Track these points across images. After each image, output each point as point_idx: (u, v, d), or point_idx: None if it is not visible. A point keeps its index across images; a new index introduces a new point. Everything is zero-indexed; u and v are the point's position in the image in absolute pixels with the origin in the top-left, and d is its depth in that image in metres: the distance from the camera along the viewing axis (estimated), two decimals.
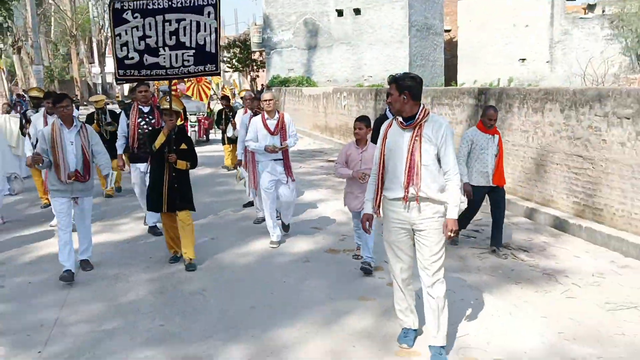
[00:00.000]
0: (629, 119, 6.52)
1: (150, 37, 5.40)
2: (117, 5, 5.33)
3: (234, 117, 11.04)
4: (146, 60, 5.47)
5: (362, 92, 16.76)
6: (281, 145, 6.50)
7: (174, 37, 5.43)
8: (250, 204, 8.43)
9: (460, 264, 5.84)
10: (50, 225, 7.45)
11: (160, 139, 5.70)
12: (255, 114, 7.34)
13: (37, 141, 6.21)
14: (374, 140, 5.66)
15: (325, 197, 9.25)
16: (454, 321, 4.32)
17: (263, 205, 6.84)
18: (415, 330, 4.10)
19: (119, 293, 5.22)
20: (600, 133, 6.94)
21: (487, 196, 6.40)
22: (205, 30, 5.49)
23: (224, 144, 12.73)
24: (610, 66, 28.31)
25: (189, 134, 8.63)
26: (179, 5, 5.37)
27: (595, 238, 6.61)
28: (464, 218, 6.30)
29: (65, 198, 5.60)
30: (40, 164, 5.50)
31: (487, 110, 6.26)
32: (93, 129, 5.96)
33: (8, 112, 11.76)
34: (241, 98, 10.42)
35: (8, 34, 32.48)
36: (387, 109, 6.22)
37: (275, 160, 6.58)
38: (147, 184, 7.02)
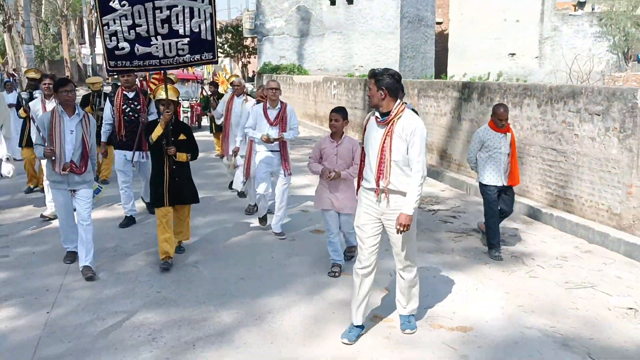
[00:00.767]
0: (599, 115, 6.97)
1: (140, 25, 5.06)
2: None
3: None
4: (137, 50, 5.16)
5: (352, 82, 17.11)
6: (278, 136, 6.38)
7: (166, 25, 5.10)
8: (241, 194, 8.50)
9: (436, 245, 6.28)
10: (41, 214, 7.19)
11: (157, 132, 5.43)
12: (257, 103, 7.25)
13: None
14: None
15: (311, 182, 9.64)
16: (424, 294, 4.75)
17: (255, 188, 6.76)
18: (360, 328, 4.14)
19: (117, 264, 5.61)
20: (573, 128, 7.38)
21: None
22: (199, 17, 5.16)
23: (211, 132, 12.58)
24: (598, 63, 28.89)
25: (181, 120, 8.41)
26: None
27: (565, 226, 7.07)
28: (491, 224, 6.01)
29: (63, 190, 5.36)
30: (53, 157, 5.20)
31: (497, 109, 5.96)
32: (94, 120, 5.68)
33: None
34: (230, 84, 10.48)
35: None
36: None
37: (272, 151, 6.50)
38: (142, 174, 7.21)
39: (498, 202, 6.08)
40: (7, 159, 7.80)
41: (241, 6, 70.14)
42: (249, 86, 37.73)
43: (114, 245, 6.14)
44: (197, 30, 5.21)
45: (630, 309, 4.59)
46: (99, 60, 51.91)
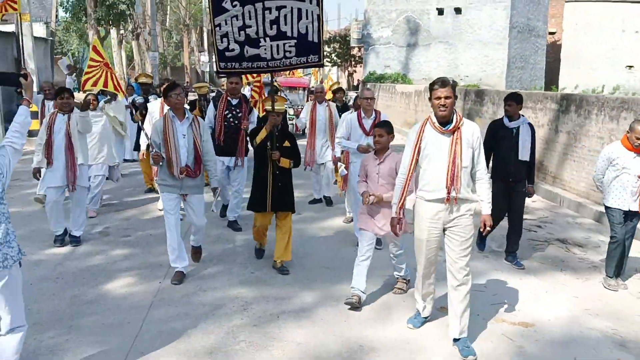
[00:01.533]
0: None
1: (250, 26, 5.13)
2: None
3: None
4: (247, 52, 5.25)
5: None
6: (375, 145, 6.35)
7: (274, 27, 5.13)
8: (317, 201, 8.63)
9: (517, 252, 6.49)
10: (158, 209, 7.65)
11: (262, 135, 5.53)
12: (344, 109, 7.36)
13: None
14: (488, 144, 5.77)
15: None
16: (493, 293, 5.08)
17: (353, 207, 6.72)
18: (425, 317, 4.47)
19: (218, 247, 6.37)
20: None
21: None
22: (307, 18, 5.14)
23: None
24: None
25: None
26: None
27: None
28: (610, 249, 5.46)
29: (174, 194, 5.36)
30: (161, 163, 5.30)
31: (636, 125, 5.18)
32: (204, 123, 5.77)
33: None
34: (310, 92, 10.75)
35: (129, 21, 35.35)
36: (505, 116, 6.10)
37: None
38: (234, 181, 7.20)
39: (623, 228, 5.38)
40: (117, 165, 8.05)
41: (351, 16, 71.35)
42: (353, 94, 38.54)
43: (217, 234, 6.93)
44: (304, 32, 5.19)
45: None
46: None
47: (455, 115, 3.98)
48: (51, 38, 26.93)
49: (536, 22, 32.40)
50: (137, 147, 9.20)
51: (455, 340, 4.09)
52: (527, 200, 9.25)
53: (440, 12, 31.40)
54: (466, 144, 3.95)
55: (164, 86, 7.63)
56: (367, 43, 33.55)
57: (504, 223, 6.21)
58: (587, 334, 4.36)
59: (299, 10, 5.10)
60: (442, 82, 3.99)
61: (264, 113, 7.90)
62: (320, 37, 5.29)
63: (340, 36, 41.51)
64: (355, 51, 39.92)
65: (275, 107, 5.60)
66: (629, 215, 5.39)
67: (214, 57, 5.57)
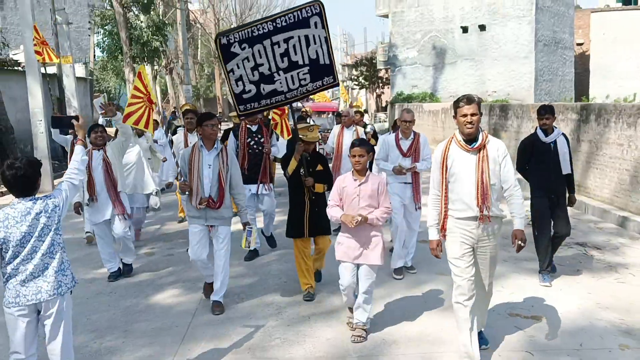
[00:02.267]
0: None
1: (262, 64, 5.20)
2: (224, 41, 5.15)
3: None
4: (263, 90, 5.32)
5: None
6: (411, 166, 6.21)
7: (285, 59, 5.21)
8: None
9: (534, 255, 6.69)
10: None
11: (292, 165, 5.54)
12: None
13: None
14: (522, 163, 5.91)
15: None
16: (510, 292, 5.43)
17: (392, 232, 6.50)
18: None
19: (255, 261, 6.88)
20: None
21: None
22: (315, 43, 5.22)
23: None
24: None
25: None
26: (284, 24, 5.13)
27: None
28: None
29: (200, 225, 5.31)
30: (187, 192, 5.29)
31: None
32: (233, 154, 5.66)
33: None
34: (337, 115, 10.39)
35: (162, 57, 36.81)
36: (539, 129, 5.92)
37: (405, 183, 6.29)
38: (264, 206, 7.10)
39: None
40: (156, 192, 7.97)
41: (377, 39, 72.22)
42: (381, 115, 39.01)
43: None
44: (314, 57, 5.26)
45: None
46: None
47: (481, 132, 3.97)
48: (90, 77, 28.33)
49: (562, 35, 32.46)
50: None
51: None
52: None
53: (465, 30, 31.79)
54: (493, 161, 3.94)
55: (189, 115, 7.93)
56: (394, 64, 34.10)
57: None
58: (595, 324, 4.69)
59: (306, 37, 5.18)
60: (468, 99, 3.95)
61: (290, 137, 8.22)
62: (332, 58, 5.36)
63: (366, 59, 42.19)
64: (382, 73, 40.49)
65: (309, 137, 5.58)
66: None
67: (232, 101, 5.57)
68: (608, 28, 33.57)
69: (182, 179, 5.41)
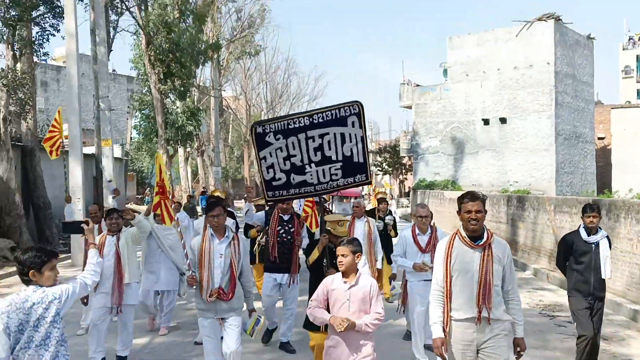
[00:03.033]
0: None
1: (294, 155, 5.19)
2: (259, 130, 5.19)
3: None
4: (293, 179, 5.30)
5: (497, 197, 18.05)
6: (432, 263, 5.62)
7: (318, 153, 5.17)
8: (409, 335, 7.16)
9: (542, 343, 7.07)
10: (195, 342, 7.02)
11: (314, 255, 5.45)
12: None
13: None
14: (563, 260, 5.77)
15: None
16: None
17: (411, 327, 6.41)
18: None
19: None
20: None
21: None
22: (351, 141, 5.14)
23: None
24: None
25: None
26: (321, 120, 5.10)
27: None
28: None
29: (210, 319, 5.10)
30: (194, 286, 5.11)
31: None
32: (245, 241, 5.44)
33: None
34: (377, 200, 10.08)
35: (195, 139, 38.43)
36: (582, 227, 5.77)
37: (426, 280, 5.93)
38: (288, 301, 6.84)
39: None
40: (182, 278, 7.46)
41: (401, 127, 74.14)
42: (404, 201, 39.54)
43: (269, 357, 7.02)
44: (349, 154, 5.19)
45: None
46: None
47: (486, 230, 3.92)
48: (125, 157, 29.74)
49: (582, 129, 33.20)
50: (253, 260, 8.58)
51: None
52: (563, 299, 9.84)
53: (486, 122, 32.81)
54: (497, 261, 3.86)
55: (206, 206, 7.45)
56: (416, 152, 35.04)
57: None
58: None
59: (342, 135, 5.12)
60: (472, 195, 3.92)
61: (317, 228, 7.97)
62: (366, 157, 5.28)
63: (390, 147, 43.46)
64: (405, 160, 41.49)
65: (337, 231, 5.49)
66: None
67: (261, 187, 5.59)
68: (628, 123, 34.38)
69: (190, 271, 5.14)
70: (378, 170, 44.07)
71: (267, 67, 55.94)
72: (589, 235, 5.66)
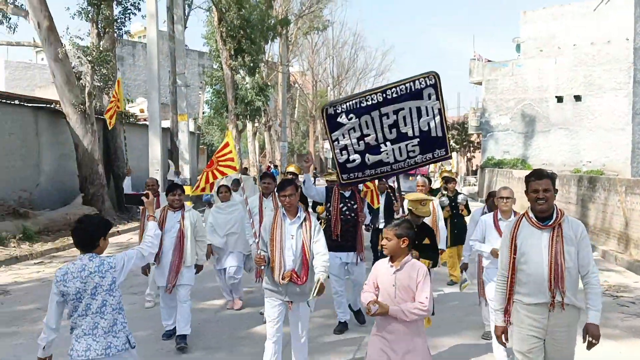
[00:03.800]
0: None
1: (368, 135, 5.01)
2: (331, 111, 5.01)
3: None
4: (368, 160, 5.11)
5: (567, 178, 17.74)
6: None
7: (394, 130, 4.97)
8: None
9: (604, 321, 7.12)
10: (259, 313, 7.16)
11: None
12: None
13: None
14: None
15: None
16: None
17: (490, 323, 5.97)
18: None
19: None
20: None
21: None
22: (427, 115, 4.92)
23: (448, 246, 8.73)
24: None
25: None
26: (394, 95, 4.87)
27: None
28: None
29: (278, 301, 4.84)
30: (263, 266, 4.90)
31: None
32: (317, 222, 5.04)
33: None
34: (442, 178, 9.77)
35: (263, 115, 39.25)
36: None
37: None
38: (354, 277, 6.72)
39: None
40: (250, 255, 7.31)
41: (470, 104, 72.57)
42: (471, 179, 39.04)
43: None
44: (426, 128, 4.99)
45: None
46: None
47: (556, 210, 3.70)
48: (198, 132, 30.86)
49: None
50: None
51: None
52: (629, 280, 9.78)
53: (560, 99, 31.86)
54: (569, 242, 3.63)
55: (266, 180, 7.18)
56: (486, 130, 34.46)
57: None
58: None
59: (418, 108, 4.91)
60: (539, 173, 3.74)
61: (379, 204, 7.97)
62: (445, 131, 5.06)
63: (458, 124, 42.86)
64: (473, 137, 40.88)
65: (419, 210, 5.27)
66: None
67: (336, 170, 5.43)
68: None
69: (259, 250, 4.93)
70: None
71: (334, 42, 56.20)
72: None
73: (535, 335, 3.67)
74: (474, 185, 36.76)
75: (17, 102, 15.76)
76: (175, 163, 20.54)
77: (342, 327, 6.69)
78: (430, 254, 5.18)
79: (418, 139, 5.02)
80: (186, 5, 22.66)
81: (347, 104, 4.98)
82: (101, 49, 16.37)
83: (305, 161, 6.26)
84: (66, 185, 16.80)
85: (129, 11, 17.16)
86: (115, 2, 16.92)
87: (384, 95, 4.90)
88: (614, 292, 8.81)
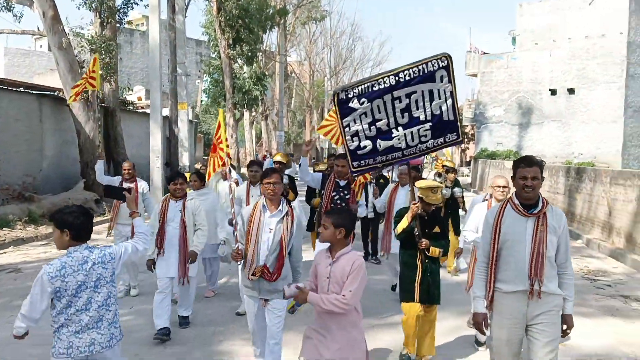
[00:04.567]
0: None
1: (380, 120, 4.90)
2: (342, 96, 4.90)
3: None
4: (379, 145, 5.00)
5: (555, 168, 18.24)
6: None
7: (406, 114, 4.87)
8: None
9: (581, 301, 7.63)
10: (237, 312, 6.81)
11: (403, 225, 5.10)
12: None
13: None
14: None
15: None
16: None
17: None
18: None
19: None
20: None
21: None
22: (440, 98, 4.83)
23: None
24: None
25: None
26: (407, 78, 4.76)
27: None
28: None
29: (254, 298, 4.62)
30: (239, 262, 4.75)
31: None
32: (301, 218, 4.93)
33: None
34: (443, 167, 9.83)
35: (260, 104, 39.63)
36: None
37: None
38: None
39: None
40: (224, 242, 6.96)
41: (465, 96, 72.99)
42: (464, 170, 39.55)
43: None
44: (438, 112, 4.89)
45: None
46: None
47: (541, 198, 3.71)
48: (196, 120, 31.24)
49: None
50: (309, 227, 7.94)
51: None
52: (609, 266, 10.31)
53: (553, 92, 32.31)
54: (552, 231, 3.65)
55: (253, 168, 6.75)
56: (480, 121, 34.91)
57: None
58: (609, 352, 5.64)
59: (430, 92, 4.81)
60: (529, 160, 3.72)
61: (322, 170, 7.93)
62: (457, 114, 4.95)
63: None
64: (468, 129, 41.32)
65: (430, 199, 5.13)
66: None
67: (346, 158, 5.27)
68: None
69: (237, 244, 4.72)
70: None
71: (332, 32, 56.38)
72: None
73: (514, 324, 3.68)
74: (467, 176, 37.31)
75: (22, 89, 16.12)
76: (174, 151, 20.96)
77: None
78: (441, 242, 5.15)
79: (430, 123, 4.92)
80: None
81: (359, 87, 4.87)
82: (105, 38, 16.73)
83: (306, 144, 6.06)
84: (68, 171, 17.23)
85: (131, 1, 17.51)
86: None
87: (397, 78, 4.79)
88: (592, 277, 9.33)
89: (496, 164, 26.37)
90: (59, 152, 17.11)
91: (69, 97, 11.63)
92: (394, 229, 5.28)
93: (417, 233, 5.02)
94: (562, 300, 3.73)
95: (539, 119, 32.86)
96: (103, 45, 16.07)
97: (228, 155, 6.70)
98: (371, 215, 9.52)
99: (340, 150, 9.50)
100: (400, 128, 4.92)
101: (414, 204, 5.05)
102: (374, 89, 4.82)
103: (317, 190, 6.79)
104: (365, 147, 5.03)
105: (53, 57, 15.73)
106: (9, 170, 14.86)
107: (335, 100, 4.95)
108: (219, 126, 6.51)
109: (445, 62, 4.76)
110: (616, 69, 29.97)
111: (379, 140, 5.00)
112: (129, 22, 47.65)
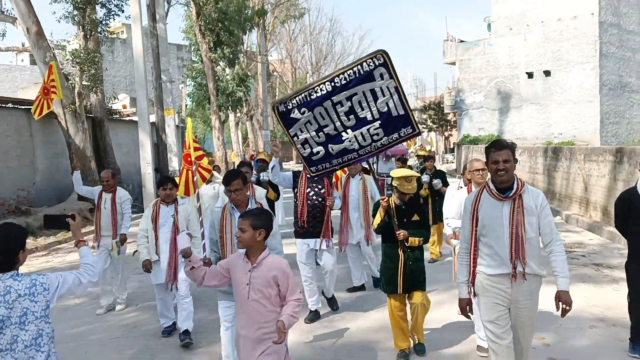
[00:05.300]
0: None
1: (326, 126, 4.87)
2: (282, 108, 4.86)
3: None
4: (332, 150, 4.98)
5: (533, 150, 18.91)
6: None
7: (351, 117, 4.83)
8: (357, 288, 7.63)
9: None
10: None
11: (377, 220, 5.16)
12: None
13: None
14: (620, 220, 5.20)
15: None
16: None
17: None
18: None
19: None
20: None
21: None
22: (384, 95, 4.75)
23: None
24: None
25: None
26: (343, 82, 4.69)
27: None
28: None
29: (230, 302, 4.36)
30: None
31: None
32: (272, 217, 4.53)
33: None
34: (417, 156, 10.41)
35: (244, 105, 40.01)
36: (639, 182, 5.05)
37: None
38: (325, 264, 6.52)
39: None
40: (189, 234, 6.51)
41: (447, 84, 73.84)
42: (449, 157, 40.24)
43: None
44: (385, 109, 4.82)
45: None
46: None
47: (516, 180, 3.73)
48: (181, 125, 31.57)
49: (628, 79, 33.00)
50: None
51: None
52: (585, 238, 10.93)
53: (530, 75, 33.04)
54: (529, 212, 3.68)
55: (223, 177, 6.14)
56: (461, 108, 35.61)
57: None
58: (578, 314, 6.18)
59: (372, 91, 4.75)
60: (499, 144, 3.76)
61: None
62: (406, 107, 4.86)
63: (434, 103, 44.01)
64: (450, 116, 42.07)
65: (405, 188, 5.13)
66: None
67: (302, 164, 5.28)
68: None
69: (204, 253, 4.66)
70: (423, 127, 44.83)
71: (311, 29, 56.82)
72: None
73: (501, 303, 3.74)
74: (452, 162, 38.00)
75: (10, 105, 16.47)
76: (163, 157, 21.37)
77: (313, 316, 6.50)
78: (421, 230, 5.16)
79: (379, 122, 4.86)
80: (165, 2, 23.35)
81: (297, 98, 4.84)
82: (89, 50, 17.10)
83: (274, 145, 6.08)
84: (61, 183, 17.60)
85: (112, 13, 17.87)
86: (99, 4, 17.60)
87: (333, 83, 4.73)
88: (568, 249, 9.94)
89: (479, 149, 27.02)
90: (51, 165, 17.48)
91: (34, 113, 11.32)
92: (372, 223, 5.27)
93: (395, 223, 5.07)
94: (541, 280, 3.82)
95: (518, 103, 33.60)
96: (88, 57, 16.43)
97: (198, 158, 6.63)
98: None
99: None
100: (349, 130, 4.91)
101: (382, 199, 5.10)
102: (312, 97, 4.79)
103: (293, 190, 6.72)
104: (318, 152, 5.04)
105: (36, 71, 16.06)
106: (3, 185, 15.24)
107: (276, 112, 4.94)
108: (188, 136, 6.32)
109: (382, 59, 4.66)
110: (590, 49, 30.74)
111: (330, 145, 5.00)
112: (110, 32, 47.78)
